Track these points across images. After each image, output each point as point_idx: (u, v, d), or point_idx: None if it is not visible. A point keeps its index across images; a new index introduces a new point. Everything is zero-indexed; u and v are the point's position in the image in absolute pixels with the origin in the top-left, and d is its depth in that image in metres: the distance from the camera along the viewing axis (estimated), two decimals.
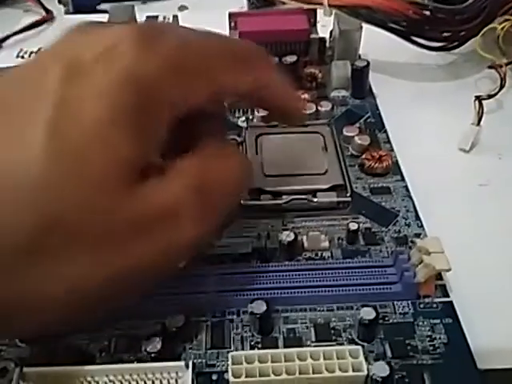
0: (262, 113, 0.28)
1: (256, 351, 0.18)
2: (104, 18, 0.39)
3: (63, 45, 0.16)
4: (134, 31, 0.16)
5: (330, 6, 0.30)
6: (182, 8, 0.43)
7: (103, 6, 0.42)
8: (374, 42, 0.32)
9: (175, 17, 0.31)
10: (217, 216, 0.17)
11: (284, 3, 0.35)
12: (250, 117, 0.29)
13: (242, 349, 0.19)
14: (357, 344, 0.19)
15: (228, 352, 0.18)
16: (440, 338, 0.19)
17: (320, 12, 0.31)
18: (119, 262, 0.14)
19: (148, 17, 0.31)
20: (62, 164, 0.14)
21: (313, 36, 0.31)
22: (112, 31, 0.16)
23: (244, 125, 0.29)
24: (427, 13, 0.29)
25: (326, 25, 0.33)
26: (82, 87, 0.14)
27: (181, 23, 0.31)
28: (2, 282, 0.14)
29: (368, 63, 0.29)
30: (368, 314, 0.18)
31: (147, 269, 0.15)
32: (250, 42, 0.20)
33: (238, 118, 0.29)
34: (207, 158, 0.17)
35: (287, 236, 0.21)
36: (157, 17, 0.31)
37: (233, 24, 0.31)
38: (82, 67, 0.15)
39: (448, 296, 0.21)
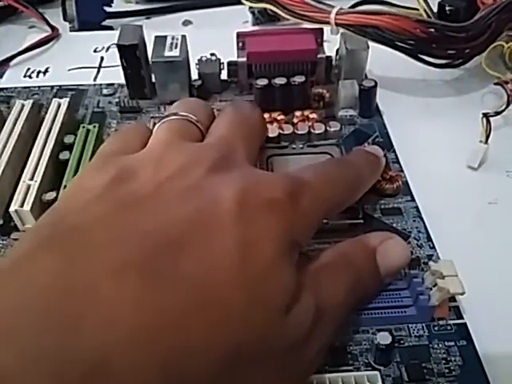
0: (272, 134, 0.28)
1: None
2: (109, 34, 0.40)
3: (243, 189, 0.18)
4: (286, 185, 0.18)
5: (336, 25, 0.30)
6: (187, 23, 0.44)
7: (107, 22, 0.42)
8: (379, 58, 0.32)
9: (183, 36, 0.31)
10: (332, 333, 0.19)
11: (288, 19, 0.36)
12: None
13: None
14: (373, 368, 0.19)
15: None
16: (455, 361, 0.20)
17: (326, 30, 0.31)
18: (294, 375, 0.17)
19: (157, 37, 0.31)
20: (250, 290, 0.16)
21: (320, 55, 0.31)
22: (275, 180, 0.19)
23: None
24: (433, 31, 0.29)
25: (330, 40, 0.33)
26: (254, 229, 0.17)
27: (188, 41, 0.31)
28: None
29: (376, 83, 0.29)
30: (384, 338, 0.19)
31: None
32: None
33: None
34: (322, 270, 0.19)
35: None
36: (165, 37, 0.31)
37: (240, 44, 0.31)
38: (250, 209, 0.17)
39: (462, 318, 0.21)
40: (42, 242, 0.16)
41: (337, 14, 0.30)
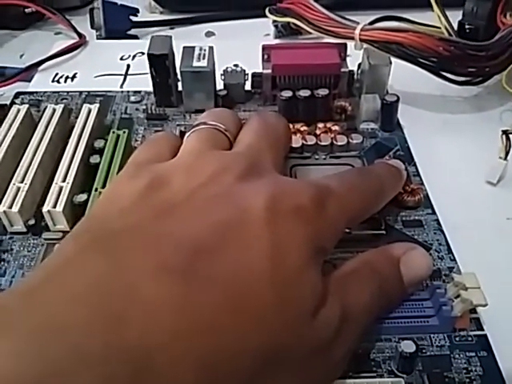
0: (295, 144, 0.29)
1: None
2: (135, 43, 0.41)
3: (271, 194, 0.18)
4: (312, 193, 0.19)
5: (361, 40, 0.31)
6: (209, 34, 0.45)
7: (132, 32, 0.43)
8: (399, 73, 0.33)
9: (211, 48, 0.32)
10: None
11: (310, 33, 0.37)
12: None
13: None
14: (396, 376, 0.20)
15: None
16: (476, 371, 0.20)
17: (349, 45, 0.32)
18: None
19: (185, 47, 0.32)
20: (281, 292, 0.16)
21: (343, 69, 0.32)
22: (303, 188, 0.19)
23: None
24: (455, 49, 0.30)
25: (350, 54, 0.34)
26: (283, 234, 0.17)
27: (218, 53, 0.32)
28: None
29: (398, 98, 0.30)
30: (409, 347, 0.19)
31: None
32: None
33: None
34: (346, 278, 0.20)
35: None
36: (193, 48, 0.32)
37: (266, 56, 0.32)
38: (279, 215, 0.18)
39: (482, 329, 0.21)
40: (85, 246, 0.16)
41: (361, 30, 0.30)
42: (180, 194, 0.18)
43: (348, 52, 0.32)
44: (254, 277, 0.16)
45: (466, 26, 0.37)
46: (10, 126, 0.28)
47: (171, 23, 0.45)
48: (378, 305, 0.20)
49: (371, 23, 0.40)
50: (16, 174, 0.25)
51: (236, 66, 0.34)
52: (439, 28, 0.36)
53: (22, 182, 0.25)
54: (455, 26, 0.36)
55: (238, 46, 0.38)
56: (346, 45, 0.32)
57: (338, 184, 0.20)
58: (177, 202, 0.18)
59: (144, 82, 0.34)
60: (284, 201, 0.18)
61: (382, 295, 0.20)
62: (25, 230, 0.24)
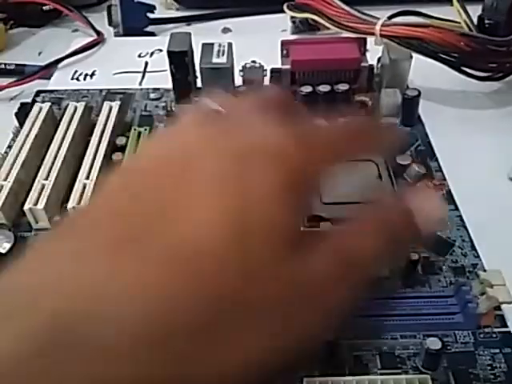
0: None
1: (329, 378, 0.19)
2: (152, 40, 0.41)
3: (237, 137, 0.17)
4: (287, 134, 0.17)
5: (381, 36, 0.31)
6: (226, 30, 0.45)
7: (149, 28, 0.43)
8: (419, 68, 0.32)
9: (230, 44, 0.32)
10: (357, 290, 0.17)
11: (328, 29, 0.36)
12: None
13: (311, 374, 0.20)
14: (421, 372, 0.20)
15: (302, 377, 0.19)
16: (500, 367, 0.20)
17: (369, 39, 0.32)
18: (293, 330, 0.15)
19: (204, 44, 0.32)
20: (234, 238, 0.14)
21: (363, 64, 0.32)
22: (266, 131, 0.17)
23: None
24: (476, 44, 0.30)
25: (368, 49, 0.34)
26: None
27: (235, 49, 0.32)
28: (179, 368, 0.13)
29: (419, 93, 0.30)
30: (434, 344, 0.19)
31: (310, 337, 0.15)
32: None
33: None
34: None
35: None
36: (212, 44, 0.32)
37: (285, 52, 0.32)
38: (251, 156, 0.16)
39: (506, 326, 0.21)
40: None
41: (382, 26, 0.30)
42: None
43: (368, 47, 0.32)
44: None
45: (486, 21, 0.36)
46: (33, 124, 0.28)
47: (188, 20, 0.45)
48: (383, 248, 0.17)
49: (389, 18, 0.39)
50: (40, 172, 0.25)
51: (254, 62, 0.34)
52: (459, 23, 0.35)
53: (46, 179, 0.25)
54: (475, 21, 0.36)
55: (255, 42, 0.38)
56: (365, 39, 0.32)
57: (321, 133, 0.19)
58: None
59: (162, 79, 0.34)
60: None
61: (387, 236, 0.17)
62: (50, 226, 0.25)
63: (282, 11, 0.40)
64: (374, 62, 0.33)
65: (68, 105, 0.30)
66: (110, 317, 0.13)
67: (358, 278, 0.16)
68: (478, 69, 0.31)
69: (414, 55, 0.31)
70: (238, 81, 0.33)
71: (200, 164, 0.16)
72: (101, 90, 0.34)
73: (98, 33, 0.41)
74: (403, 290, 0.22)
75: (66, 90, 0.34)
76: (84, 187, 0.25)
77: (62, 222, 0.16)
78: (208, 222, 0.14)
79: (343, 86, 0.30)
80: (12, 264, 0.13)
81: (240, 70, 0.33)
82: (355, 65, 0.31)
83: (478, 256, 0.24)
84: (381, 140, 0.21)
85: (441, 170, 0.28)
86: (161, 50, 0.39)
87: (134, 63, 0.38)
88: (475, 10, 0.36)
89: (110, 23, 0.42)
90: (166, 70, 0.32)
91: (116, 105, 0.30)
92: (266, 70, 0.33)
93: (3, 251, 0.24)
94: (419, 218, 0.18)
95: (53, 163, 0.26)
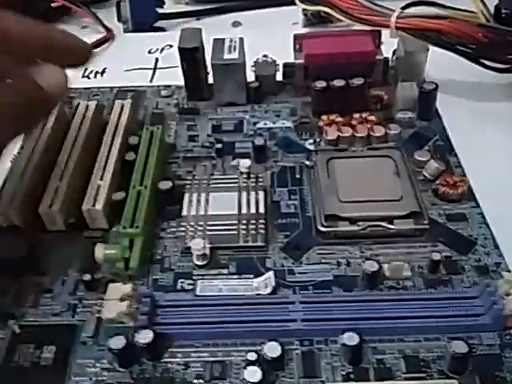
0: (331, 136, 0.28)
1: (352, 383, 0.18)
2: (162, 36, 0.40)
3: None
4: None
5: (397, 28, 0.30)
6: (236, 24, 0.44)
7: (158, 23, 0.43)
8: (435, 61, 0.32)
9: (241, 39, 0.31)
10: None
11: (340, 21, 0.36)
12: (318, 139, 0.29)
13: (334, 379, 0.19)
14: (447, 376, 0.19)
15: (321, 382, 0.18)
16: None
17: (384, 32, 0.31)
18: None
19: (215, 39, 0.31)
20: None
21: (378, 57, 0.31)
22: None
23: (312, 147, 0.29)
24: (494, 36, 0.29)
25: (383, 41, 0.33)
26: None
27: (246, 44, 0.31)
28: None
29: (437, 86, 0.29)
30: (460, 347, 0.19)
31: None
32: None
33: (306, 140, 0.30)
34: None
35: (371, 266, 0.22)
36: (223, 39, 0.31)
37: (298, 46, 0.32)
38: None
39: None
40: None
41: (397, 18, 0.30)
42: None
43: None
44: None
45: (503, 11, 0.36)
46: (45, 124, 0.27)
47: (197, 14, 0.44)
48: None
49: (403, 8, 0.39)
50: (54, 173, 0.25)
51: (265, 56, 0.34)
52: (475, 13, 0.35)
53: (60, 180, 0.25)
54: (492, 11, 0.35)
55: (266, 36, 0.37)
56: (380, 31, 0.31)
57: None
58: None
59: (173, 76, 0.34)
60: None
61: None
62: (64, 228, 0.24)
63: (293, 3, 0.39)
64: (389, 55, 0.32)
65: (79, 104, 0.29)
66: None
67: None
68: (496, 60, 0.30)
69: (431, 47, 0.30)
70: (251, 76, 0.32)
71: None
72: (112, 88, 0.34)
73: (108, 29, 0.41)
74: (424, 291, 0.22)
75: (78, 89, 0.34)
76: (98, 188, 0.25)
77: None
78: None
79: (358, 80, 0.30)
80: None
81: (252, 66, 0.32)
82: (370, 58, 0.31)
83: (501, 255, 0.23)
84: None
85: (460, 166, 0.27)
86: (171, 46, 0.38)
87: (144, 60, 0.37)
88: (492, 0, 0.36)
89: (119, 19, 0.41)
90: (176, 66, 0.32)
91: (127, 103, 0.29)
92: (278, 65, 0.33)
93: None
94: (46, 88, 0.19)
95: (66, 164, 0.25)
